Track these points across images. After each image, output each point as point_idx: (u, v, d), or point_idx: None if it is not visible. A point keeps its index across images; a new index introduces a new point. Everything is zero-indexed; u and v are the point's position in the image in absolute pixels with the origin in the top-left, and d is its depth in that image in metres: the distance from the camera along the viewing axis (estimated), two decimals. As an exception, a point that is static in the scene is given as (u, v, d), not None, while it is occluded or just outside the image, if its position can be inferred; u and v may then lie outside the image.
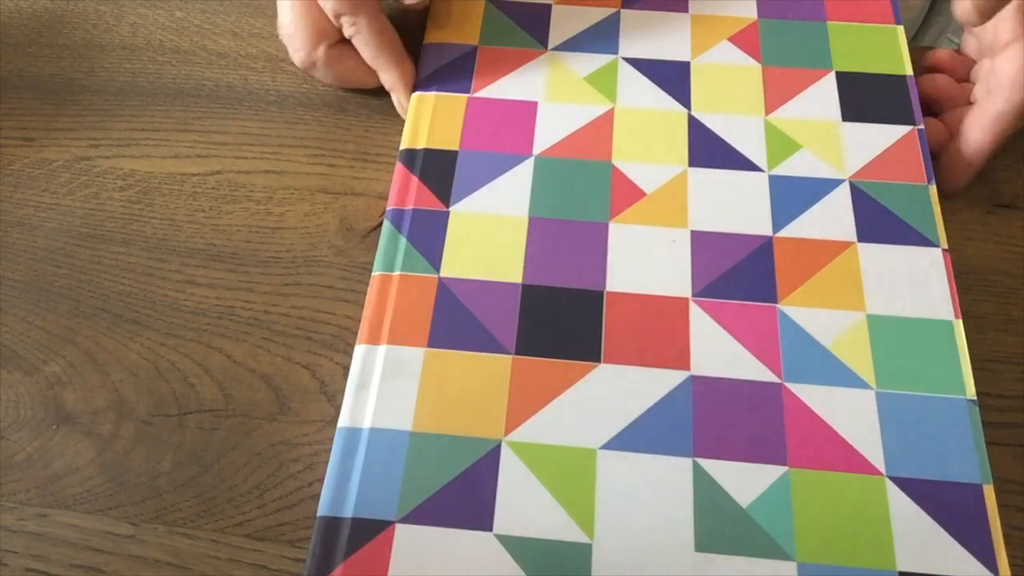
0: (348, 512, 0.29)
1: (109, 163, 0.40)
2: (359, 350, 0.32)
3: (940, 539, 0.28)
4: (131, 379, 0.34)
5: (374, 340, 0.32)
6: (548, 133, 0.38)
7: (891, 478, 0.29)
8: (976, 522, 0.28)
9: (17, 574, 0.31)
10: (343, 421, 0.31)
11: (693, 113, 0.38)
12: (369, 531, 0.28)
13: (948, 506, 0.29)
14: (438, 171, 0.36)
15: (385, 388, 0.31)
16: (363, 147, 0.40)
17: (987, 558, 0.28)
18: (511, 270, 0.34)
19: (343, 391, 0.32)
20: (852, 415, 0.30)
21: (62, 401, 0.34)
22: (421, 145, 0.37)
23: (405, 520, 0.29)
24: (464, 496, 0.29)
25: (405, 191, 0.36)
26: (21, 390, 0.34)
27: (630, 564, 0.28)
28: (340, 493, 0.29)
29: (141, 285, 0.37)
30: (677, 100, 0.38)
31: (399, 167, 0.37)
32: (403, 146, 0.37)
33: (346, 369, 0.34)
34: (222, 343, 0.35)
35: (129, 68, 0.43)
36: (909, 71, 0.39)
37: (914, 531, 0.28)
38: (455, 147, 0.37)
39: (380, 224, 0.37)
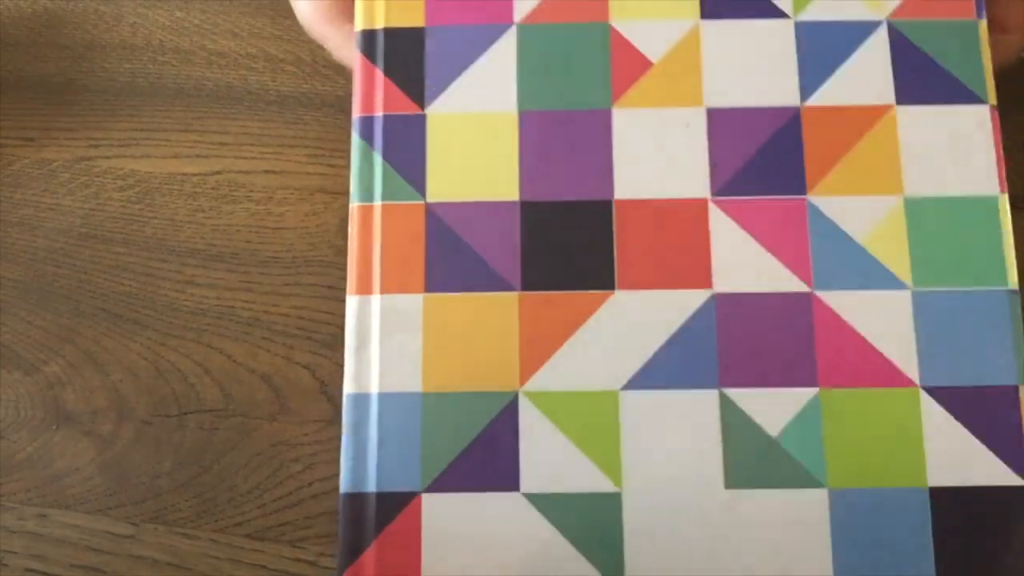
0: (371, 487, 0.27)
1: (109, 163, 0.40)
2: (351, 302, 0.29)
3: (972, 448, 0.27)
4: (131, 379, 0.34)
5: (366, 289, 0.29)
6: None
7: (925, 389, 0.28)
8: (1010, 428, 0.27)
9: (17, 574, 0.31)
10: (348, 388, 0.28)
11: None
12: (396, 504, 0.27)
13: (982, 413, 0.27)
14: (404, 58, 0.31)
15: (387, 346, 0.29)
16: (363, 147, 0.40)
17: (1020, 465, 0.27)
18: (506, 185, 0.30)
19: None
20: (886, 322, 0.28)
21: (62, 401, 0.34)
22: (380, 24, 0.31)
23: (430, 489, 0.28)
24: (487, 457, 0.28)
25: (371, 92, 0.31)
26: (21, 390, 0.34)
27: (661, 509, 0.27)
28: (359, 466, 0.28)
29: (141, 285, 0.37)
30: None
31: (359, 58, 0.31)
32: (359, 27, 0.31)
33: (346, 369, 0.34)
34: (222, 343, 0.35)
35: (129, 68, 0.43)
36: None
37: (946, 443, 0.27)
38: (420, 23, 0.31)
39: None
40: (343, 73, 0.42)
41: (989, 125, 0.30)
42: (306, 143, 0.40)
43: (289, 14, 0.45)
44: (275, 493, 0.32)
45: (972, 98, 0.30)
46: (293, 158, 0.40)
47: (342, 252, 0.37)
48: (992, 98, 0.30)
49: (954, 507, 0.27)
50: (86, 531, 0.32)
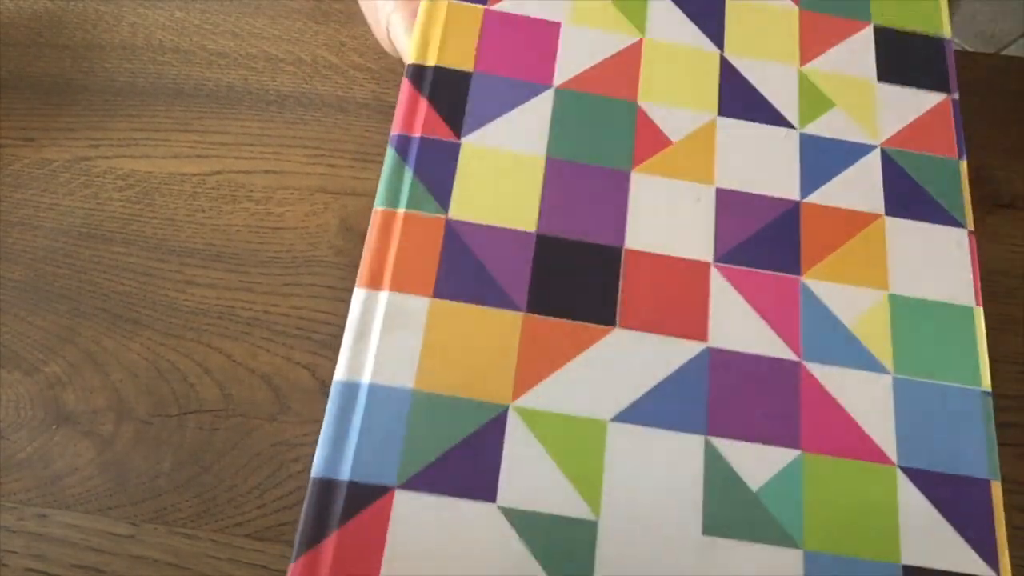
0: (344, 475, 0.27)
1: (109, 163, 0.40)
2: (358, 294, 0.30)
3: (945, 533, 0.28)
4: (131, 379, 0.34)
5: (375, 285, 0.30)
6: (571, 61, 0.35)
7: (902, 468, 0.29)
8: (981, 518, 0.28)
9: (17, 574, 0.31)
10: (339, 374, 0.29)
11: (725, 54, 0.36)
12: (367, 496, 0.27)
13: (955, 500, 0.28)
14: (449, 94, 0.33)
15: (386, 340, 0.29)
16: (363, 147, 0.40)
17: (989, 556, 0.28)
18: (525, 216, 0.32)
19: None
20: (868, 400, 0.30)
21: (62, 401, 0.34)
22: (432, 61, 0.34)
23: (405, 486, 0.27)
24: (468, 463, 0.28)
25: (412, 114, 0.33)
26: (21, 390, 0.34)
27: (635, 544, 0.28)
28: (336, 453, 0.27)
29: (141, 285, 0.37)
30: (710, 37, 0.36)
31: (406, 85, 0.33)
32: (411, 60, 0.34)
33: (346, 369, 0.34)
34: (222, 343, 0.35)
35: (129, 68, 0.43)
36: (948, 33, 0.37)
37: (920, 524, 0.28)
38: (469, 68, 0.34)
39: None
40: (343, 74, 0.42)
41: (967, 247, 0.32)
42: (306, 143, 0.40)
43: (289, 14, 0.45)
44: (275, 493, 0.32)
45: (953, 222, 0.33)
46: (293, 158, 0.40)
47: (342, 252, 0.37)
48: (970, 224, 0.33)
49: None
50: (86, 531, 0.32)
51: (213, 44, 0.44)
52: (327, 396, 0.34)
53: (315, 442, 0.33)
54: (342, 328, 0.35)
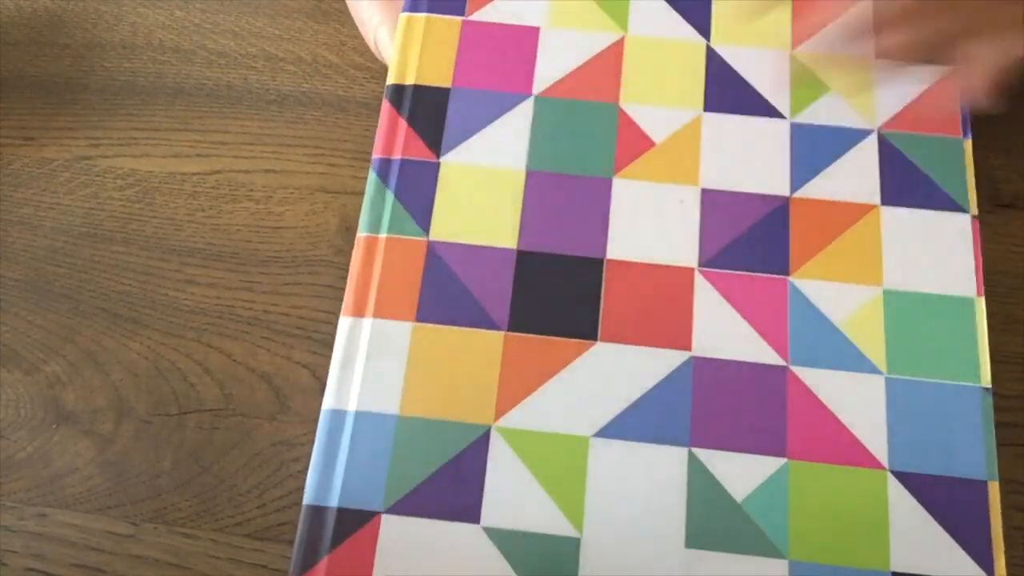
0: (334, 501, 0.28)
1: (109, 163, 0.40)
2: (344, 323, 0.30)
3: (937, 537, 0.28)
4: (131, 379, 0.34)
5: (360, 312, 0.31)
6: (550, 66, 0.34)
7: (893, 473, 0.28)
8: (976, 520, 0.28)
9: (17, 574, 0.31)
10: (327, 403, 0.29)
11: (712, 44, 0.34)
12: (355, 522, 0.28)
13: (949, 503, 0.28)
14: (428, 113, 0.33)
15: (371, 368, 0.30)
16: (363, 147, 0.40)
17: (984, 559, 0.27)
18: (505, 233, 0.32)
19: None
20: (858, 403, 0.29)
21: (62, 401, 0.34)
22: (410, 81, 0.34)
23: (391, 511, 0.28)
24: (452, 486, 0.28)
25: (392, 137, 0.33)
26: (21, 390, 0.34)
27: (619, 560, 0.28)
28: (325, 480, 0.28)
29: (141, 285, 0.37)
30: (695, 27, 0.35)
31: (386, 106, 0.34)
32: (391, 80, 0.34)
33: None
34: (222, 343, 0.35)
35: (129, 68, 0.43)
36: None
37: (911, 529, 0.28)
38: (447, 84, 0.34)
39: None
40: (343, 73, 0.42)
41: (970, 233, 0.31)
42: (306, 143, 0.40)
43: (289, 14, 0.45)
44: (275, 493, 0.32)
45: (955, 207, 0.32)
46: (293, 158, 0.40)
47: (342, 252, 0.37)
48: (974, 208, 0.32)
49: None
50: (86, 531, 0.32)
51: (213, 44, 0.44)
52: (327, 396, 0.34)
53: (315, 441, 0.33)
54: (342, 328, 0.35)
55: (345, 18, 0.44)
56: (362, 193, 0.39)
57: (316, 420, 0.33)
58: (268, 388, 0.34)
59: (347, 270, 0.37)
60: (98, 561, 0.31)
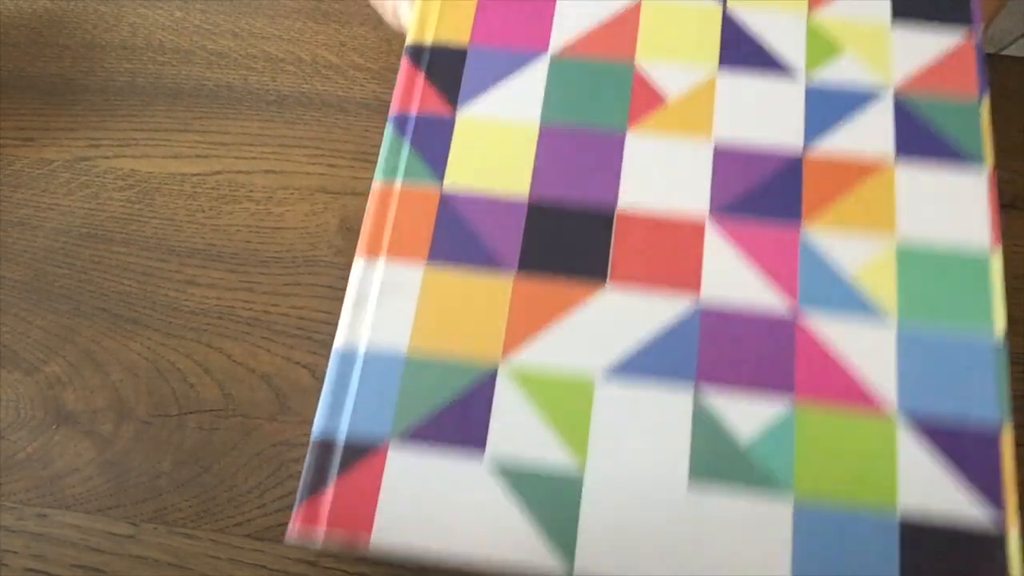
0: (341, 434, 0.28)
1: (109, 163, 0.40)
2: (358, 264, 0.31)
3: (945, 479, 0.27)
4: (131, 379, 0.34)
5: (373, 254, 0.31)
6: (568, 25, 0.35)
7: (903, 412, 0.28)
8: (988, 462, 0.27)
9: (17, 574, 0.31)
10: (339, 342, 0.30)
11: (729, 6, 0.35)
12: (361, 451, 0.28)
13: (960, 444, 0.28)
14: (446, 70, 0.34)
15: (382, 306, 0.30)
16: (363, 147, 0.40)
17: (994, 501, 0.27)
18: (518, 183, 0.32)
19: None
20: (869, 349, 0.29)
21: (62, 401, 0.34)
22: (429, 40, 0.35)
23: (397, 442, 0.28)
24: (458, 421, 0.29)
25: (410, 93, 0.34)
26: (21, 390, 0.34)
27: (621, 498, 0.28)
28: (334, 415, 0.29)
29: (141, 285, 0.37)
30: None
31: (405, 64, 0.34)
32: (410, 40, 0.35)
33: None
34: (222, 343, 0.35)
35: (129, 68, 0.43)
36: None
37: (920, 470, 0.28)
38: (465, 42, 0.35)
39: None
40: (343, 73, 0.42)
41: (986, 185, 0.31)
42: (306, 143, 0.40)
43: (289, 14, 0.45)
44: (275, 493, 0.32)
45: (970, 159, 0.32)
46: (293, 158, 0.40)
47: (342, 252, 0.37)
48: (990, 160, 0.32)
49: (924, 544, 0.27)
50: (86, 531, 0.32)
51: (213, 44, 0.44)
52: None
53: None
54: (342, 328, 0.35)
55: (345, 19, 0.44)
56: (362, 194, 0.39)
57: (316, 420, 0.33)
58: (268, 388, 0.34)
59: (347, 270, 0.37)
60: (98, 561, 0.31)
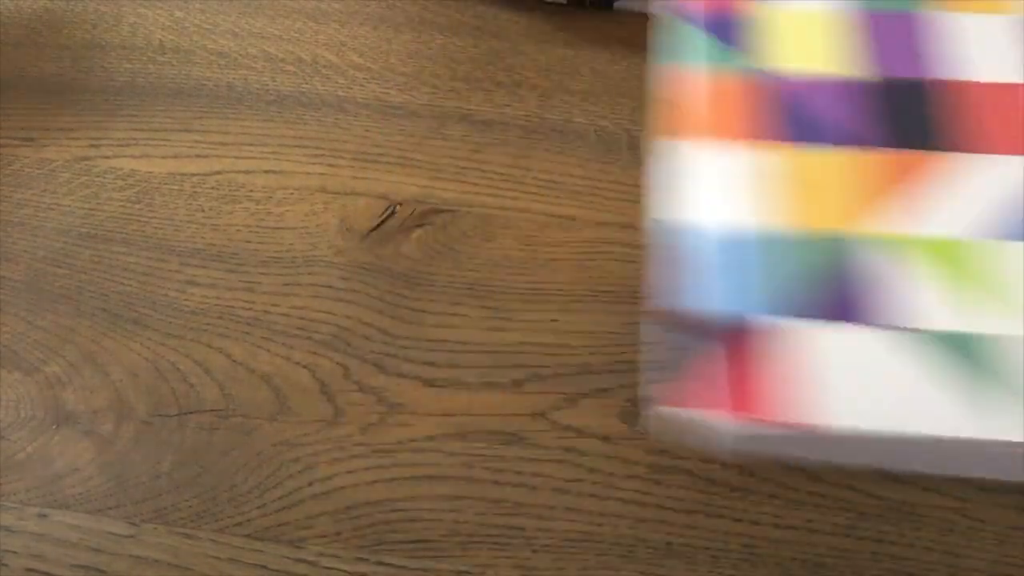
0: (714, 310, 0.28)
1: (109, 163, 0.40)
2: (683, 148, 0.31)
3: None
4: (131, 379, 0.34)
5: (698, 137, 0.32)
6: None
7: None
8: None
9: (17, 574, 0.31)
10: (686, 221, 0.30)
11: None
12: (731, 326, 0.28)
13: None
14: None
15: (729, 186, 0.31)
16: (363, 147, 0.40)
17: None
18: (842, 63, 0.33)
19: (344, 391, 0.32)
20: None
21: (62, 401, 0.34)
22: None
23: (768, 317, 0.28)
24: (833, 292, 0.28)
25: None
26: (21, 390, 0.34)
27: None
28: (698, 293, 0.28)
29: (141, 285, 0.37)
30: None
31: None
32: None
33: (346, 368, 0.34)
34: (222, 343, 0.35)
35: (129, 68, 0.43)
36: None
37: None
38: None
39: (381, 224, 0.37)
40: (343, 73, 0.42)
41: None
42: (306, 143, 0.40)
43: (289, 14, 0.45)
44: (275, 493, 0.32)
45: None
46: (293, 158, 0.40)
47: (342, 252, 0.37)
48: None
49: None
50: (86, 531, 0.32)
51: (213, 44, 0.44)
52: (327, 396, 0.34)
53: (315, 442, 0.33)
54: (342, 328, 0.35)
55: (345, 19, 0.44)
56: (363, 194, 0.39)
57: (316, 420, 0.33)
58: (268, 389, 0.34)
59: (348, 270, 0.37)
60: (98, 561, 0.31)
